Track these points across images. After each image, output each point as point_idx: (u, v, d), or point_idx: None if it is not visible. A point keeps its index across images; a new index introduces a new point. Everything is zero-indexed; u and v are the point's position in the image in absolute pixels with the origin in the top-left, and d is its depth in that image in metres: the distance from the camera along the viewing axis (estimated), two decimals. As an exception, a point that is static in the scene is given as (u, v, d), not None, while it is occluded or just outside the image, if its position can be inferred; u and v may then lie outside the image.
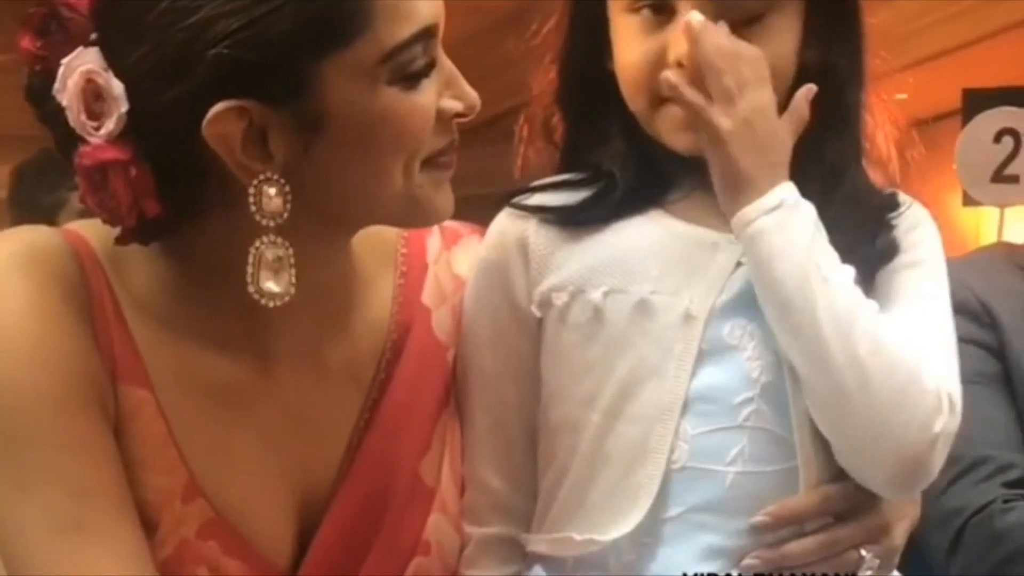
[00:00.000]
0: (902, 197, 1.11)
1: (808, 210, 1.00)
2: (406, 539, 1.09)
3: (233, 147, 0.92)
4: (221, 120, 0.91)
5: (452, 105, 1.00)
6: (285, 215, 0.94)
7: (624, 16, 1.07)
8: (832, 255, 1.01)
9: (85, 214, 0.99)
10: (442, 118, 1.00)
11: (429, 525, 1.10)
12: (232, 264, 0.96)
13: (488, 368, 1.12)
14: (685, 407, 1.02)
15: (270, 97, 0.92)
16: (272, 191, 0.94)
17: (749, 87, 1.00)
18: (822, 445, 1.03)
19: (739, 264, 1.04)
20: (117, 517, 0.96)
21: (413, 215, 1.04)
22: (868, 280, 1.05)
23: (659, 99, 1.05)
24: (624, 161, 1.09)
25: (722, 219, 1.06)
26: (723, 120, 0.99)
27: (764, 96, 1.01)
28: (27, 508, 0.95)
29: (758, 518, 1.01)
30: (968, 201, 3.82)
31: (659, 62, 1.04)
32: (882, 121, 1.14)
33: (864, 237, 1.06)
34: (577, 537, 1.04)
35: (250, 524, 1.03)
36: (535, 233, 1.10)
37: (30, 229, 1.05)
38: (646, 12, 1.05)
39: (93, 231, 1.02)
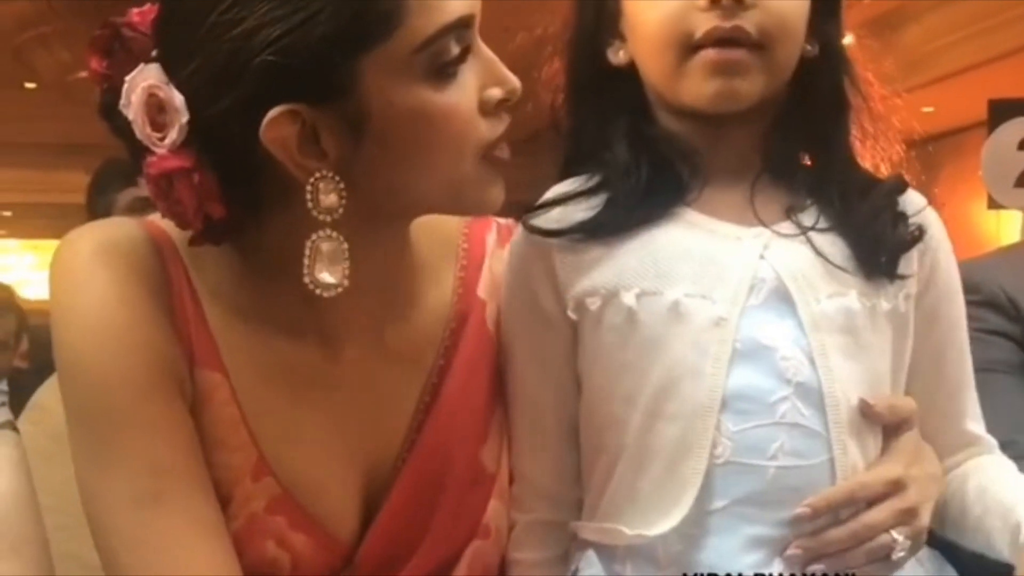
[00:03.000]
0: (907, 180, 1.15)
1: None
2: (466, 521, 1.12)
3: (290, 149, 0.95)
4: (276, 125, 0.93)
5: (494, 93, 1.01)
6: (340, 210, 0.96)
7: None
8: None
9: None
10: (487, 108, 1.01)
11: (489, 510, 1.13)
12: (293, 257, 0.98)
13: (523, 372, 1.15)
14: (724, 405, 1.04)
15: (317, 99, 0.94)
16: (327, 188, 0.96)
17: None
18: (854, 437, 1.06)
19: (762, 257, 1.07)
20: (192, 490, 1.00)
21: (462, 205, 1.06)
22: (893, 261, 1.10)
23: (689, 49, 1.06)
24: (635, 165, 1.11)
25: (740, 210, 1.09)
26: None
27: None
28: (110, 482, 0.99)
29: (800, 510, 1.03)
30: (992, 205, 3.84)
31: (688, 6, 1.05)
32: (883, 121, 1.17)
33: (883, 216, 1.11)
34: (628, 532, 1.07)
35: (315, 500, 1.06)
36: (558, 243, 1.11)
37: (112, 221, 1.07)
38: None
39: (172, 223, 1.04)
